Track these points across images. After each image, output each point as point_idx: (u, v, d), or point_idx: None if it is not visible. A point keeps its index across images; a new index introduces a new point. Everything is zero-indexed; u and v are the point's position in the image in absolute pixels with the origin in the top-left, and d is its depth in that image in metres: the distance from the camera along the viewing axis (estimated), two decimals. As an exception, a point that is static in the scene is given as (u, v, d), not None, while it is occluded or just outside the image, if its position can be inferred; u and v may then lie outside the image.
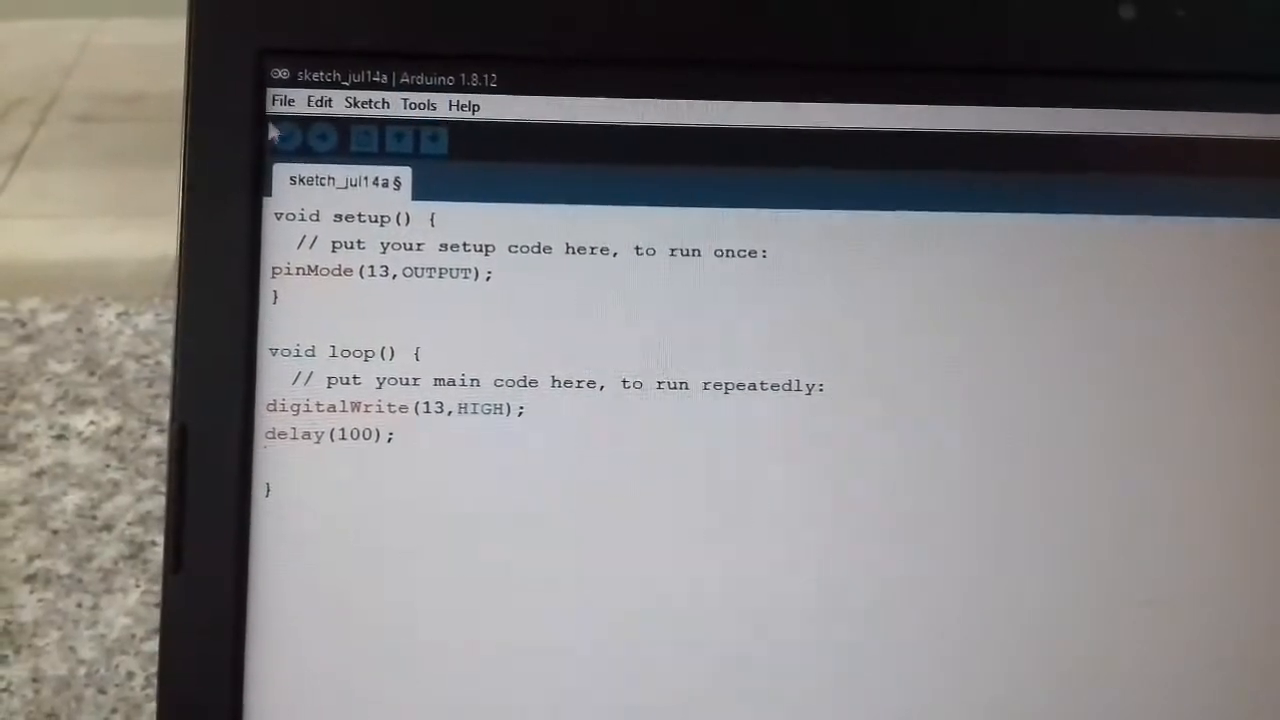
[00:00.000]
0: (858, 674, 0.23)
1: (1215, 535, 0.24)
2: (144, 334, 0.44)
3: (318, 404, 0.23)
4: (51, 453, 0.40)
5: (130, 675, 0.34)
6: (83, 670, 0.34)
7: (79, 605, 0.36)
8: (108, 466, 0.40)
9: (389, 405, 0.23)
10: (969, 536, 0.23)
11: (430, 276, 0.23)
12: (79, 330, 0.44)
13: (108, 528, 0.38)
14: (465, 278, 0.23)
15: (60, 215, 1.24)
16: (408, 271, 0.23)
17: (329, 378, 0.23)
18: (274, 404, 0.23)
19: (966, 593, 0.23)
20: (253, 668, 0.22)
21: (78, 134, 1.38)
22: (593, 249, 0.23)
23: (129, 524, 0.38)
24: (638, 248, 0.23)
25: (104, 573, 0.37)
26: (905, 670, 0.23)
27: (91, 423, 0.41)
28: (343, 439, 0.23)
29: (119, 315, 0.45)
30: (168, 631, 0.22)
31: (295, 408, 0.23)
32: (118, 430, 0.41)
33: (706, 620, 0.23)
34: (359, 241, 0.23)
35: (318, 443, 0.23)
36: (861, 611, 0.23)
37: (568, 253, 0.23)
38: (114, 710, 0.33)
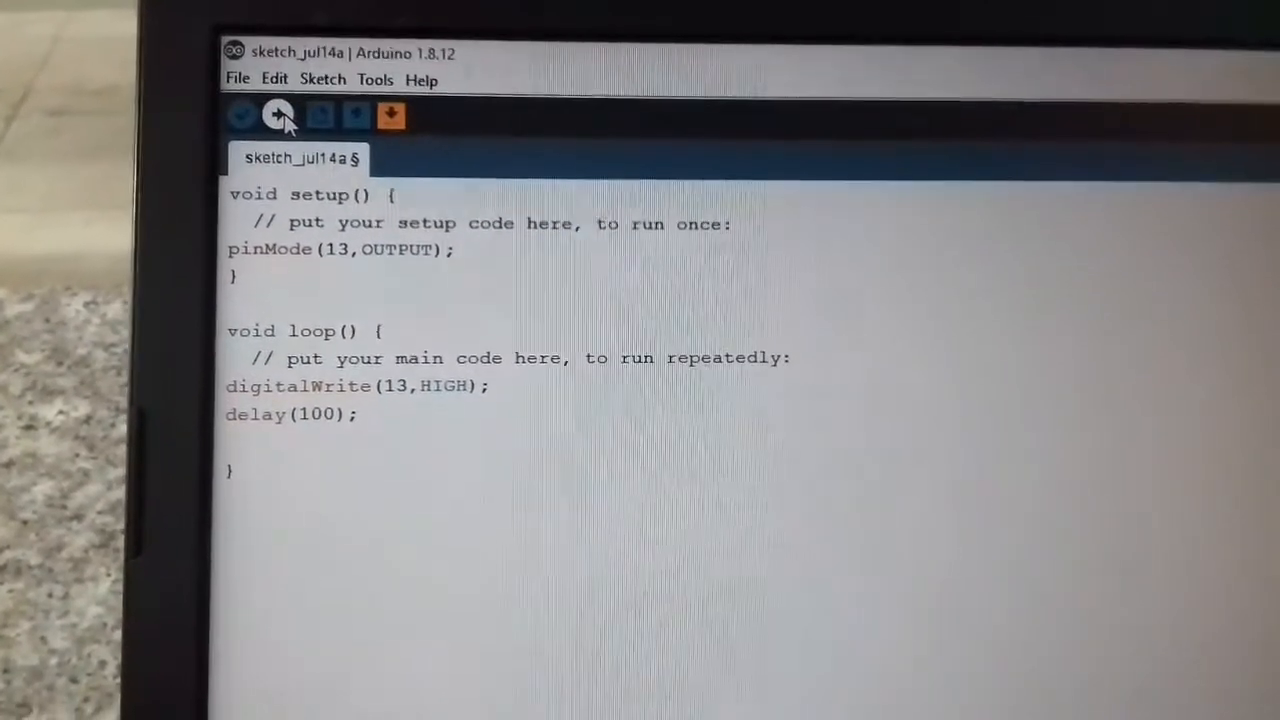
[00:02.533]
0: (832, 643, 0.23)
1: (1187, 503, 0.24)
2: (112, 323, 0.44)
3: (278, 384, 0.23)
4: (20, 443, 0.40)
5: (102, 664, 0.34)
6: (54, 660, 0.34)
7: (50, 595, 0.35)
8: (77, 456, 0.39)
9: (350, 384, 0.23)
10: (938, 506, 0.23)
11: (390, 253, 0.23)
12: (46, 320, 0.44)
13: (78, 517, 0.37)
14: (426, 254, 0.23)
15: (33, 209, 1.23)
16: (367, 249, 0.23)
17: (289, 357, 0.23)
18: (234, 384, 0.23)
19: (938, 561, 0.23)
20: (217, 649, 0.22)
21: (50, 128, 1.36)
22: (555, 224, 0.23)
23: (99, 513, 0.38)
24: (600, 221, 0.23)
25: (74, 562, 0.36)
26: (875, 639, 0.23)
27: (60, 412, 0.41)
28: (304, 419, 0.23)
29: (86, 304, 0.44)
30: (131, 614, 0.22)
31: (255, 388, 0.23)
32: (87, 419, 0.40)
33: (674, 594, 0.23)
34: (317, 219, 0.23)
35: (279, 423, 0.23)
36: (832, 581, 0.23)
37: (530, 228, 0.23)
38: (85, 699, 0.33)
